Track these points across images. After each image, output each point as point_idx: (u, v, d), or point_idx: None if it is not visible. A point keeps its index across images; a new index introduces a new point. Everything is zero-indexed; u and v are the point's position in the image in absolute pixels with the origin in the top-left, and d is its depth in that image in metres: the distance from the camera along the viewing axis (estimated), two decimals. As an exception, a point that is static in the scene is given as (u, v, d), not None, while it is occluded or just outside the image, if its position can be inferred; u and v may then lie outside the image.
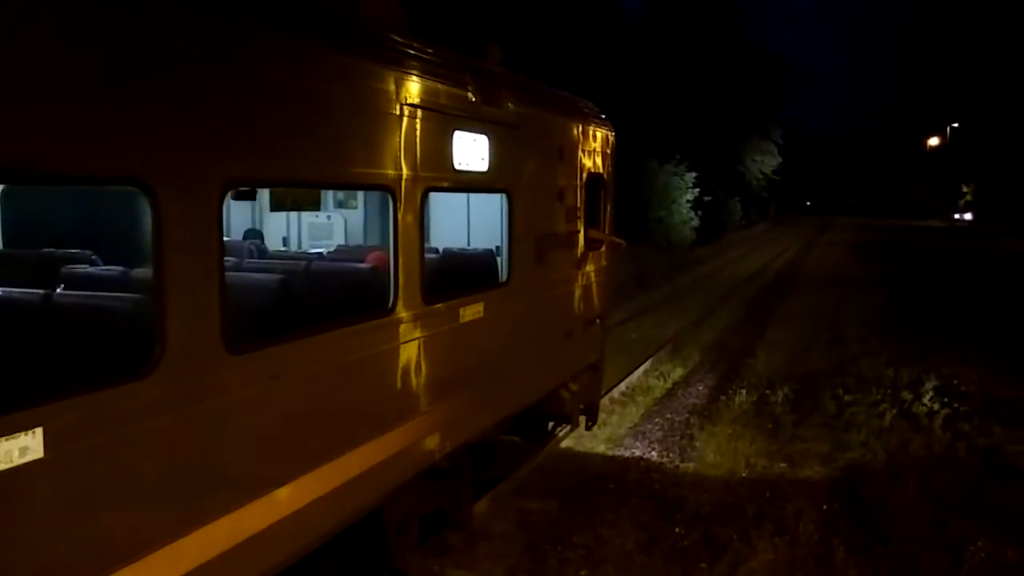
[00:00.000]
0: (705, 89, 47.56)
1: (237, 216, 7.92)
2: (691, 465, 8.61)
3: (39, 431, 2.72)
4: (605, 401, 7.65)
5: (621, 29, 39.48)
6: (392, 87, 4.85)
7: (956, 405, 10.97)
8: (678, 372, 13.20)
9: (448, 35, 6.15)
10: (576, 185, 7.90)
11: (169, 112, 3.25)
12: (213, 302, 3.52)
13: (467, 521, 6.65)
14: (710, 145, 44.84)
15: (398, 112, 4.94)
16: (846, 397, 11.45)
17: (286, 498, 4.05)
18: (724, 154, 50.04)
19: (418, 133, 5.13)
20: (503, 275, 6.50)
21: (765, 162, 62.74)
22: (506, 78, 6.58)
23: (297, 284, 4.85)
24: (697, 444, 9.41)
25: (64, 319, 3.68)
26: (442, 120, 5.41)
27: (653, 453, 9.04)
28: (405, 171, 5.00)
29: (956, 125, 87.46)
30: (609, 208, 9.06)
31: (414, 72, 5.10)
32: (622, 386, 11.85)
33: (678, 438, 9.63)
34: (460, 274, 6.30)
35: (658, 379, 12.65)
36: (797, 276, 30.19)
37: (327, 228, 8.01)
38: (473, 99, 5.82)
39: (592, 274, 8.60)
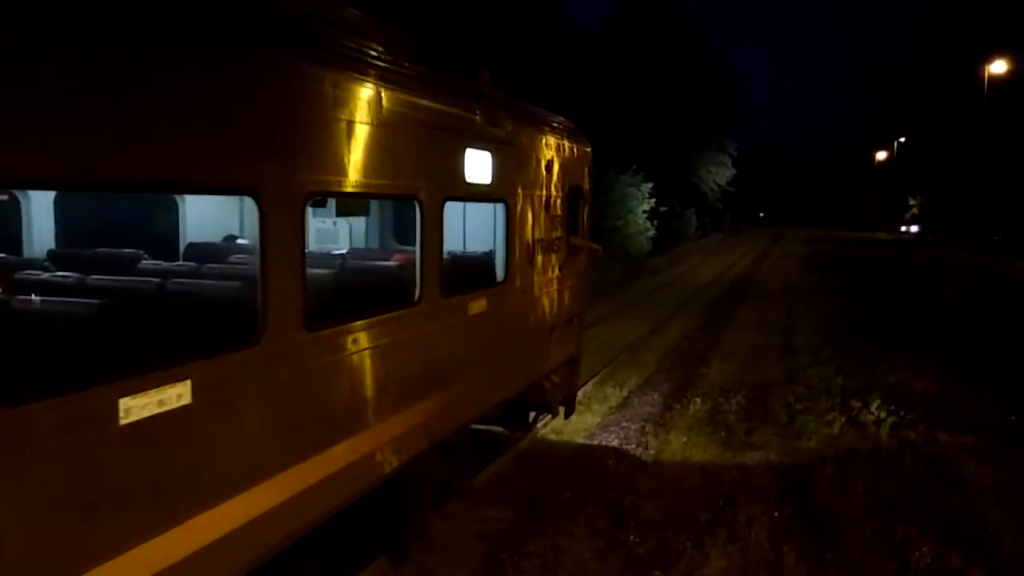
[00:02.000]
0: (661, 102, 48.23)
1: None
2: (646, 474, 8.67)
3: (189, 382, 3.66)
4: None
5: (578, 45, 39.88)
6: (423, 114, 5.84)
7: (902, 413, 11.23)
8: (633, 381, 13.30)
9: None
10: (560, 196, 8.85)
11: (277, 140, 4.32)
12: (298, 291, 4.47)
13: (469, 491, 7.69)
14: (666, 156, 45.42)
15: (425, 134, 5.92)
16: (797, 406, 11.65)
17: (349, 449, 5.13)
18: (680, 165, 50.74)
19: (439, 151, 6.19)
20: (500, 275, 7.45)
21: (720, 174, 63.75)
22: (503, 101, 7.49)
23: (341, 278, 5.89)
24: (652, 452, 9.50)
25: (193, 300, 4.79)
26: (456, 140, 6.42)
27: (609, 461, 9.09)
28: (429, 184, 5.96)
29: (903, 140, 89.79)
30: (587, 216, 10.14)
31: (438, 101, 6.11)
32: (579, 394, 11.89)
33: (633, 447, 9.71)
34: (467, 273, 7.17)
35: (614, 388, 12.74)
36: (750, 286, 30.70)
37: (333, 233, 8.53)
38: (479, 121, 6.76)
39: (573, 276, 9.64)
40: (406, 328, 5.79)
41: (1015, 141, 74.84)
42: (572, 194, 9.28)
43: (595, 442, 9.87)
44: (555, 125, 8.95)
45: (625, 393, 12.48)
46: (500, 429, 8.84)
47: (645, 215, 35.83)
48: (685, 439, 9.95)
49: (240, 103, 4.04)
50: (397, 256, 6.90)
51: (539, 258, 8.28)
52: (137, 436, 3.41)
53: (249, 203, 4.23)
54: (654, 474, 8.66)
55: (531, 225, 7.99)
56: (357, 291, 5.86)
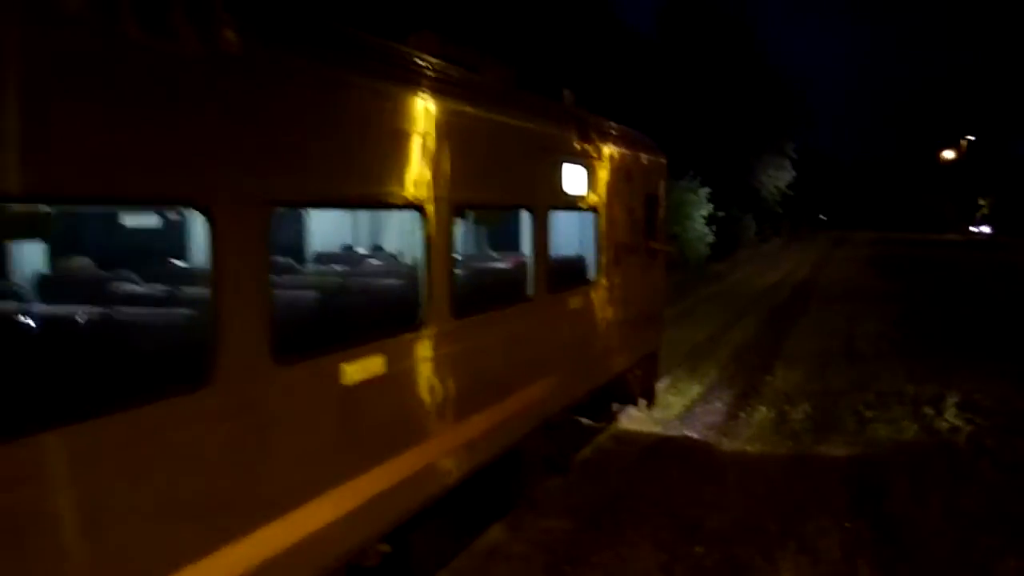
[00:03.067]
0: (717, 105, 47.56)
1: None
2: (710, 484, 8.51)
3: (384, 356, 4.81)
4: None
5: (633, 47, 39.61)
6: (536, 138, 6.99)
7: (978, 420, 10.84)
8: (696, 389, 13.12)
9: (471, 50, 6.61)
10: (640, 204, 9.92)
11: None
12: (444, 286, 5.45)
13: (568, 467, 8.64)
14: (723, 161, 44.81)
15: (537, 154, 7.01)
16: (866, 413, 11.32)
17: (487, 419, 6.08)
18: (738, 169, 49.97)
19: (546, 168, 7.25)
20: (592, 275, 8.48)
21: (779, 177, 62.54)
22: (592, 121, 8.45)
23: (474, 278, 6.81)
24: (716, 463, 9.33)
25: (374, 294, 5.74)
26: (558, 157, 7.43)
27: (673, 471, 8.95)
28: (539, 196, 7.09)
29: (971, 138, 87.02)
30: (662, 222, 11.29)
31: (546, 125, 7.32)
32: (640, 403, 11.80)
33: (697, 456, 9.55)
34: (566, 273, 7.99)
35: (676, 395, 12.58)
36: (813, 291, 29.97)
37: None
38: (575, 140, 7.77)
39: (652, 276, 10.85)
40: (524, 319, 6.87)
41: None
42: (649, 202, 10.33)
43: (656, 452, 9.74)
44: (633, 139, 9.94)
45: (687, 401, 12.31)
46: (587, 420, 9.83)
47: (703, 220, 35.40)
48: (750, 449, 9.76)
49: (437, 145, 5.36)
50: (512, 259, 7.76)
51: (624, 260, 9.32)
52: (350, 395, 4.50)
53: (380, 214, 5.68)
54: (719, 484, 8.49)
55: (617, 231, 9.04)
56: (489, 288, 6.84)
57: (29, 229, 4.62)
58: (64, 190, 3.01)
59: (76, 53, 2.92)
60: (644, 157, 10.17)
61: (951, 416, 11.02)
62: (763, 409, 11.61)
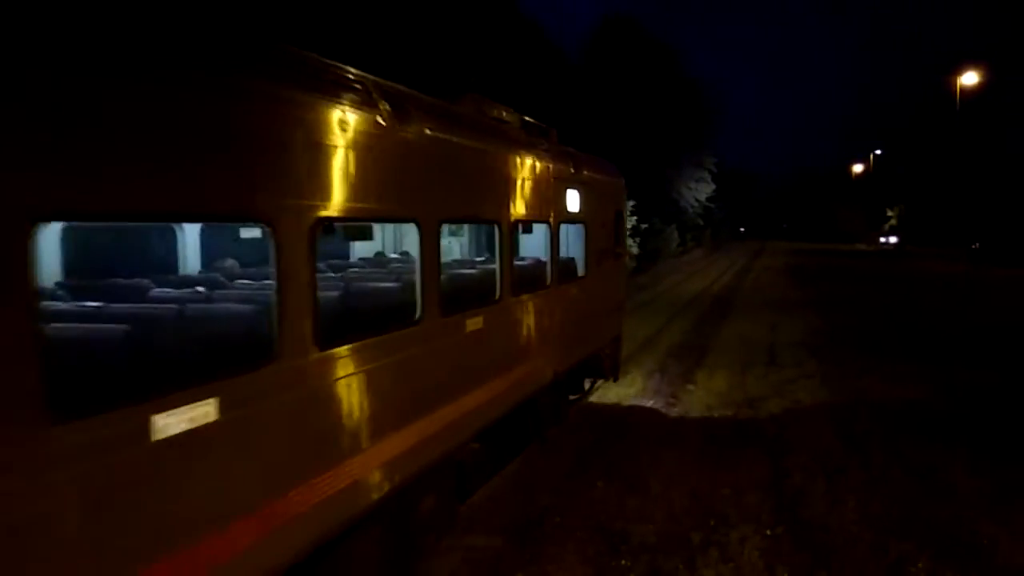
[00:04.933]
0: (638, 119, 48.51)
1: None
2: (635, 496, 8.54)
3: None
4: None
5: (558, 65, 40.15)
6: (551, 172, 9.35)
7: (891, 425, 11.20)
8: (619, 396, 13.18)
9: (414, 78, 6.92)
10: (610, 218, 12.51)
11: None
12: (509, 276, 7.80)
13: (565, 419, 11.07)
14: (646, 173, 45.60)
15: (553, 183, 9.43)
16: (784, 421, 11.58)
17: (520, 373, 8.40)
18: (659, 182, 51.01)
19: (558, 193, 9.67)
20: (581, 271, 10.90)
21: (700, 189, 64.08)
22: (580, 155, 11.01)
23: (514, 271, 8.30)
24: (640, 473, 9.37)
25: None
26: (564, 184, 9.86)
27: (598, 483, 8.95)
28: (555, 214, 9.58)
29: (879, 152, 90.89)
30: (624, 232, 14.29)
31: (556, 160, 9.65)
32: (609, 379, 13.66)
33: (620, 468, 9.57)
34: (566, 270, 10.34)
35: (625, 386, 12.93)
36: (734, 300, 30.72)
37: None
38: (572, 171, 10.32)
39: (618, 275, 13.60)
40: (544, 300, 9.20)
41: (988, 150, 76.00)
42: (616, 216, 13.01)
43: (581, 462, 9.73)
44: (604, 166, 12.54)
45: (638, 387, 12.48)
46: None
47: (627, 232, 35.87)
48: (674, 459, 9.84)
49: (485, 176, 7.56)
50: (533, 260, 9.85)
51: (601, 261, 11.78)
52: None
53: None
54: (643, 496, 8.52)
55: (597, 238, 11.50)
56: (521, 279, 8.54)
57: (361, 233, 7.11)
58: (348, 214, 5.17)
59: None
60: (612, 180, 12.87)
61: (864, 421, 11.36)
62: (686, 419, 11.76)
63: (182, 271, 7.45)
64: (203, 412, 3.81)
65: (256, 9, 18.09)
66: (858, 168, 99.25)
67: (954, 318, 24.24)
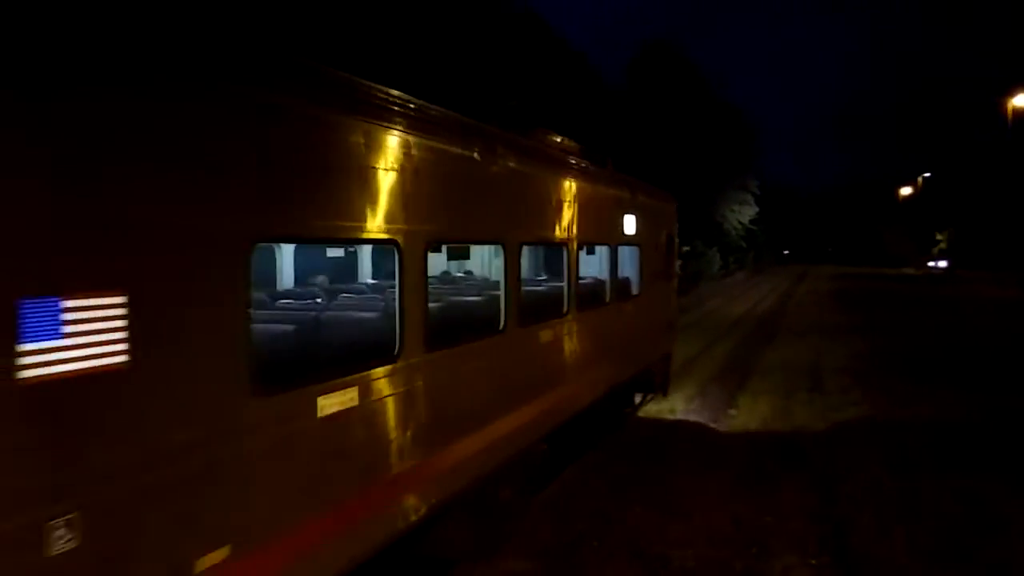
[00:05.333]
0: (681, 143, 48.43)
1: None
2: (676, 522, 8.43)
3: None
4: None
5: (600, 92, 40.38)
6: (613, 198, 10.55)
7: (941, 454, 10.91)
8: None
9: (456, 104, 7.17)
10: (663, 240, 13.40)
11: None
12: (516, 302, 7.39)
13: (620, 429, 12.11)
14: (688, 196, 45.46)
15: (614, 208, 10.61)
16: (830, 448, 11.35)
17: (572, 387, 9.08)
18: (702, 205, 50.76)
19: (616, 217, 10.69)
20: (636, 291, 11.83)
21: (742, 212, 63.63)
22: (635, 181, 11.99)
23: (581, 288, 9.38)
24: (682, 500, 9.25)
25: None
26: (621, 210, 10.91)
27: (637, 508, 8.86)
28: (613, 236, 10.60)
29: (928, 175, 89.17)
30: (675, 253, 15.25)
31: (618, 189, 10.89)
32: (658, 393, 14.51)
33: (662, 495, 9.47)
34: (623, 288, 11.29)
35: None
36: (777, 325, 30.29)
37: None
38: (629, 196, 11.27)
39: (670, 295, 14.65)
40: (604, 317, 10.32)
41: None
42: (668, 239, 13.89)
43: (621, 489, 9.66)
44: (658, 192, 13.49)
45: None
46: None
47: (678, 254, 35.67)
48: (716, 485, 9.70)
49: (555, 203, 8.40)
50: (593, 278, 10.58)
51: (654, 281, 12.71)
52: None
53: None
54: (684, 522, 8.41)
55: (651, 260, 12.39)
56: (586, 295, 9.60)
57: (461, 253, 9.02)
58: (449, 237, 6.73)
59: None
60: (665, 205, 13.81)
61: (913, 450, 11.09)
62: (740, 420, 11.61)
63: (279, 286, 8.36)
64: (349, 397, 4.81)
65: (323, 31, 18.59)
66: (906, 191, 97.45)
67: (1005, 345, 23.58)
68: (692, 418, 13.55)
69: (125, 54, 3.34)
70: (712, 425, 12.97)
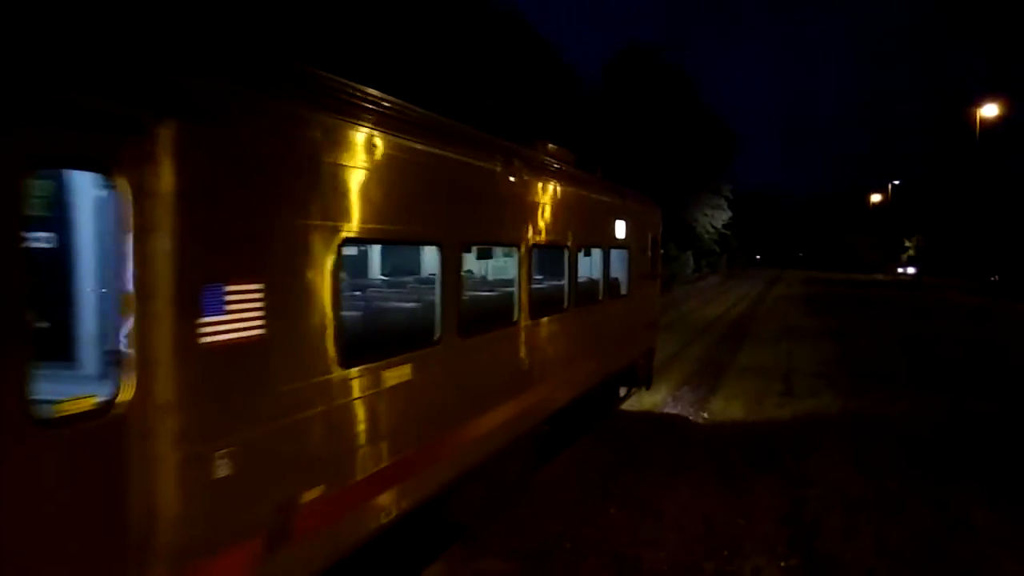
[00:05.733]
0: (656, 146, 48.63)
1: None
2: (648, 523, 8.45)
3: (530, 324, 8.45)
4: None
5: (576, 91, 40.43)
6: (607, 205, 11.53)
7: (909, 457, 11.05)
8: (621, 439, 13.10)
9: (435, 103, 7.16)
10: (648, 244, 14.16)
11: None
12: (527, 297, 8.24)
13: (611, 416, 13.36)
14: (662, 199, 45.69)
15: (608, 214, 11.58)
16: (802, 452, 11.44)
17: (571, 375, 9.96)
18: (676, 208, 51.04)
19: (609, 222, 11.59)
20: (624, 290, 12.61)
21: (716, 216, 64.08)
22: (624, 189, 13.08)
23: (580, 286, 10.31)
24: (654, 501, 9.28)
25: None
26: (614, 215, 11.81)
27: (611, 510, 8.87)
28: (608, 240, 11.49)
29: (897, 182, 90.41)
30: (659, 256, 15.96)
31: (611, 197, 11.85)
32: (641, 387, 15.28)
33: (635, 495, 9.49)
34: (613, 287, 12.01)
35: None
36: (750, 328, 30.54)
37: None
38: (620, 202, 12.24)
39: (653, 294, 15.59)
40: (597, 313, 11.13)
41: (1008, 182, 75.49)
42: (652, 242, 14.60)
43: (594, 491, 9.66)
44: (644, 199, 14.45)
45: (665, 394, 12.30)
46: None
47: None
48: (688, 487, 9.74)
49: (558, 210, 9.16)
50: (587, 278, 11.15)
51: (640, 282, 13.59)
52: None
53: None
54: (656, 524, 8.43)
55: (637, 262, 13.21)
56: (582, 293, 10.38)
57: (487, 253, 10.71)
58: (476, 240, 7.82)
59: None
60: (649, 211, 14.61)
61: (882, 453, 11.21)
62: (700, 449, 11.66)
63: (371, 276, 9.98)
64: (406, 371, 5.82)
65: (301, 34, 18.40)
66: (876, 198, 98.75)
67: (972, 351, 23.97)
68: (670, 410, 14.70)
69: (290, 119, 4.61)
70: (682, 433, 13.02)
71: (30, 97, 3.05)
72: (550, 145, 10.35)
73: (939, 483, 9.96)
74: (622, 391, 14.32)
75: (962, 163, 71.16)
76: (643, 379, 14.95)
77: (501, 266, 10.96)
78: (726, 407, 14.82)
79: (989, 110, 48.51)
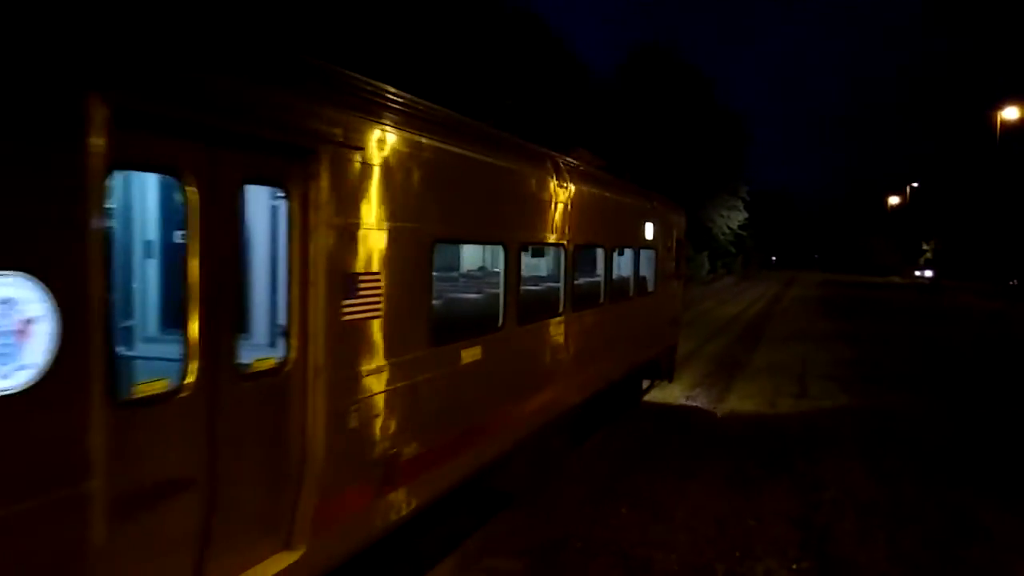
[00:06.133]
0: (672, 146, 48.46)
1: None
2: (659, 525, 8.44)
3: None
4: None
5: (590, 91, 40.37)
6: (638, 209, 12.53)
7: (923, 461, 10.98)
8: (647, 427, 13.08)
9: (449, 103, 7.20)
10: (673, 244, 15.09)
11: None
12: (571, 291, 9.28)
13: (671, 377, 16.01)
14: (679, 200, 45.57)
15: (637, 217, 12.49)
16: (815, 455, 11.40)
17: (603, 364, 10.94)
18: (692, 209, 50.90)
19: (638, 224, 12.54)
20: (652, 288, 13.66)
21: (732, 217, 63.81)
22: (652, 193, 13.96)
23: (618, 283, 11.53)
24: (665, 501, 9.26)
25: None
26: (643, 218, 12.78)
27: (622, 510, 8.87)
28: (638, 241, 12.44)
29: (915, 185, 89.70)
30: (684, 256, 17.17)
31: (637, 198, 12.70)
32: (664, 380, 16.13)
33: (647, 495, 9.48)
34: (642, 284, 13.06)
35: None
36: (764, 330, 30.41)
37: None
38: (649, 206, 13.24)
39: (678, 292, 16.48)
40: (628, 308, 12.17)
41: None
42: (677, 243, 15.62)
43: (606, 492, 9.66)
44: (670, 202, 15.35)
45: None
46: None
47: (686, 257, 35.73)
48: (700, 489, 9.72)
49: (598, 213, 10.35)
50: (618, 276, 11.76)
51: (665, 280, 14.53)
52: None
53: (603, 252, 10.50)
54: (667, 525, 8.42)
55: (663, 261, 14.19)
56: (616, 289, 11.39)
57: (540, 253, 10.52)
58: (532, 241, 8.38)
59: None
60: (674, 214, 15.52)
61: (897, 457, 11.15)
62: (713, 451, 11.63)
63: (461, 270, 10.69)
64: (477, 351, 6.85)
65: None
66: (894, 200, 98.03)
67: (990, 357, 23.77)
68: (691, 403, 15.55)
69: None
70: (695, 438, 13.00)
71: (243, 136, 4.15)
72: (585, 152, 11.26)
73: (952, 487, 9.89)
74: (645, 384, 15.10)
75: (981, 166, 70.48)
76: (665, 372, 15.76)
77: (550, 263, 11.45)
78: (740, 406, 14.78)
79: (1010, 112, 48.04)
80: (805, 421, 13.73)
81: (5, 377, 2.89)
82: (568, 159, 9.60)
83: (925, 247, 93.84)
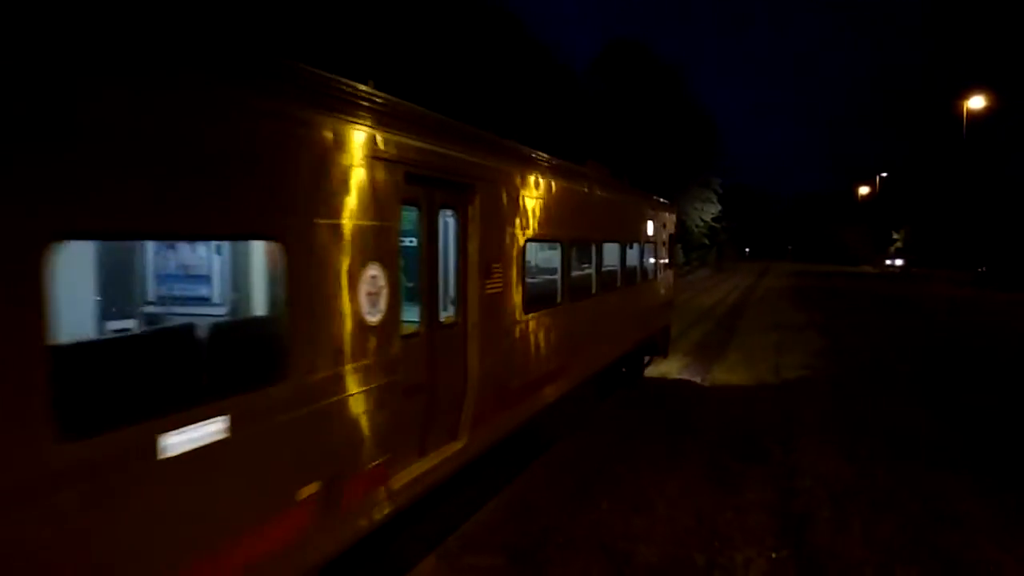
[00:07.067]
0: (645, 139, 48.65)
1: None
2: (640, 516, 8.50)
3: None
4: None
5: (564, 84, 40.39)
6: (641, 209, 15.41)
7: (900, 451, 11.13)
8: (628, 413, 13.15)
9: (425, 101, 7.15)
10: (666, 239, 17.67)
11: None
12: (598, 279, 12.03)
13: (665, 353, 18.75)
14: (652, 192, 45.80)
15: (641, 216, 15.16)
16: (791, 444, 11.52)
17: (615, 341, 13.48)
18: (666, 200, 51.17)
19: (641, 222, 15.10)
20: (651, 276, 16.08)
21: (705, 210, 64.23)
22: (651, 196, 16.63)
23: (622, 273, 13.57)
24: (645, 493, 9.33)
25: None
26: (646, 217, 15.43)
27: (604, 503, 8.92)
28: (640, 236, 14.86)
29: (884, 175, 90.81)
30: (675, 248, 20.01)
31: (642, 200, 15.70)
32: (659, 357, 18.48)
33: (626, 486, 9.54)
34: (644, 272, 15.25)
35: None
36: (739, 322, 30.66)
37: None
38: (649, 207, 15.81)
39: (671, 281, 19.13)
40: (635, 292, 14.55)
41: (995, 174, 75.91)
42: (670, 237, 18.31)
43: (587, 486, 9.71)
44: (663, 201, 17.85)
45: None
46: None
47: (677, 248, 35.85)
48: (679, 482, 9.80)
49: (615, 214, 13.34)
50: (628, 266, 13.93)
51: (661, 270, 17.15)
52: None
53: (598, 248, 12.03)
54: (648, 517, 8.49)
55: (659, 253, 16.77)
56: (626, 276, 13.73)
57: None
58: (573, 240, 10.73)
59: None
60: (667, 211, 18.19)
61: (873, 446, 11.30)
62: (691, 442, 11.71)
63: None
64: (547, 320, 9.46)
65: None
66: (864, 190, 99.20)
67: (960, 343, 24.16)
68: (684, 376, 17.78)
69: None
70: (672, 427, 13.10)
71: (441, 180, 6.76)
72: (594, 163, 12.94)
73: (926, 473, 10.06)
74: (645, 359, 17.41)
75: (949, 155, 71.52)
76: (661, 349, 18.45)
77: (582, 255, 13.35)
78: (720, 390, 14.88)
79: (976, 102, 48.78)
80: (782, 409, 13.86)
81: (371, 315, 5.46)
82: (594, 173, 12.06)
83: (895, 236, 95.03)
